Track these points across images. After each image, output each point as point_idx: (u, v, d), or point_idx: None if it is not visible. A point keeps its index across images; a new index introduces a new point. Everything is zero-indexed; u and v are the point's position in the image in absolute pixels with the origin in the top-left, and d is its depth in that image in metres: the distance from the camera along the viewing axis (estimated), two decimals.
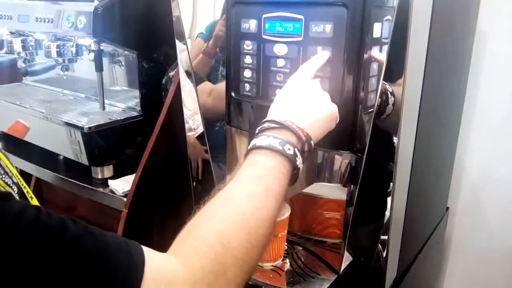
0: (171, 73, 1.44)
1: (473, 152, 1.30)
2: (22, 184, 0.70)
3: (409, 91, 0.74)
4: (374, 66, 0.77)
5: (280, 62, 0.80)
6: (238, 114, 0.89)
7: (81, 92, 1.66)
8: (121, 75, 1.62)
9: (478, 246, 1.37)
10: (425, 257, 1.07)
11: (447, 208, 1.30)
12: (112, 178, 1.37)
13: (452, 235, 1.38)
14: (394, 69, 0.73)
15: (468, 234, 1.37)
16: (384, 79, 0.75)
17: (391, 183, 0.77)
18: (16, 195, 0.68)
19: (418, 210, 0.95)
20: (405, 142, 0.77)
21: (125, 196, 1.26)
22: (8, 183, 0.65)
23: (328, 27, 0.74)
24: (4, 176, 0.66)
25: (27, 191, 0.71)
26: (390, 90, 0.77)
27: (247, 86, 0.86)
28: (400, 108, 0.73)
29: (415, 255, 1.00)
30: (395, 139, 0.75)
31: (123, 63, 1.59)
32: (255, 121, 0.87)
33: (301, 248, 0.99)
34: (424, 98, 0.80)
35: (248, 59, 0.84)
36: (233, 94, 0.88)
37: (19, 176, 0.71)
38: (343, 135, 0.77)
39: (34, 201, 0.72)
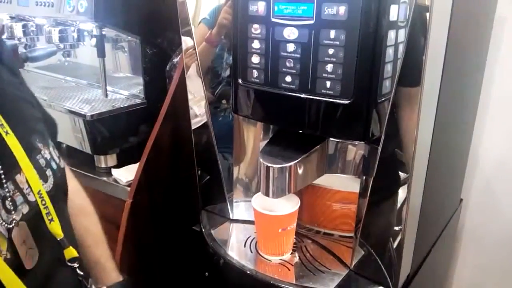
0: (176, 59, 1.41)
1: (487, 142, 1.25)
2: (44, 204, 0.60)
3: (429, 79, 0.70)
4: (390, 51, 0.72)
5: (290, 47, 0.76)
6: (246, 102, 0.85)
7: (83, 78, 1.63)
8: (125, 61, 1.59)
9: (490, 237, 1.34)
10: (438, 251, 1.04)
11: (461, 200, 1.26)
12: (116, 167, 1.34)
13: (464, 226, 1.35)
14: (413, 55, 0.69)
15: (480, 225, 1.34)
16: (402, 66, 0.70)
17: (408, 175, 0.73)
18: (21, 214, 0.58)
19: (433, 203, 0.91)
20: (423, 132, 0.72)
21: (129, 185, 1.23)
22: (9, 207, 0.55)
23: (342, 9, 0.70)
24: (9, 198, 0.56)
25: (48, 212, 0.60)
26: None
27: (255, 73, 0.82)
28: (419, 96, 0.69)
29: (429, 249, 0.96)
30: (413, 128, 0.71)
31: (126, 49, 1.55)
32: (263, 109, 0.83)
33: (310, 241, 0.96)
34: (443, 87, 0.75)
35: (256, 44, 0.80)
36: (240, 81, 0.84)
37: (44, 193, 0.60)
38: (357, 124, 0.73)
39: (55, 225, 0.62)
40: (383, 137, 0.73)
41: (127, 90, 1.50)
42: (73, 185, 0.82)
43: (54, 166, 0.63)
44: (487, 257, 1.36)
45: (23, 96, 0.64)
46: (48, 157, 0.62)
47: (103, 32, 1.34)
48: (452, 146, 1.01)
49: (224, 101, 0.99)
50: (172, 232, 1.31)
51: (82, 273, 0.67)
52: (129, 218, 1.20)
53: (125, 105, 1.36)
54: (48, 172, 0.61)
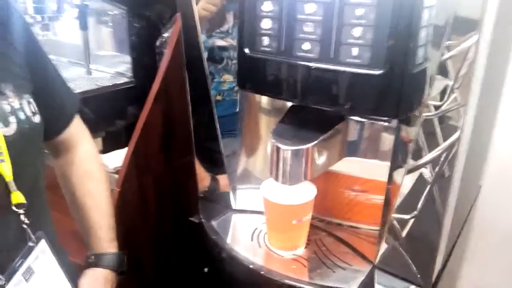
0: (166, 34, 1.30)
1: (502, 127, 1.16)
2: None
3: (482, 51, 0.60)
4: (426, 14, 0.62)
5: (310, 8, 0.64)
6: (254, 75, 0.74)
7: (64, 56, 1.49)
8: (109, 38, 1.48)
9: (503, 224, 1.26)
10: (461, 240, 0.95)
11: (480, 186, 1.18)
12: (101, 152, 1.22)
13: (478, 213, 1.27)
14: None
15: (494, 211, 1.26)
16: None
17: (451, 160, 0.63)
18: None
19: (466, 189, 0.81)
20: (470, 111, 0.62)
21: (117, 172, 1.14)
22: None
23: None
24: None
25: (1, 152, 0.62)
26: None
27: (266, 40, 0.70)
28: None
29: (455, 240, 0.87)
30: (461, 106, 0.60)
31: (111, 23, 1.43)
32: (275, 83, 0.71)
33: (324, 233, 0.86)
34: (489, 61, 0.65)
35: (267, 5, 0.68)
36: (247, 50, 0.73)
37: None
38: (389, 99, 0.63)
39: (4, 165, 0.62)
40: (423, 114, 0.63)
41: (112, 68, 1.37)
42: (86, 150, 0.85)
43: (22, 116, 0.65)
44: (499, 243, 1.29)
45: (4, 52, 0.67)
46: (17, 106, 0.64)
47: (86, 3, 1.21)
48: (483, 127, 0.92)
49: None
50: (166, 224, 1.21)
51: (27, 221, 0.66)
52: (117, 209, 1.09)
53: (111, 84, 1.24)
54: (12, 119, 0.63)
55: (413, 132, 0.66)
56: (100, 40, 1.50)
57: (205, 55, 0.84)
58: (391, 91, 0.62)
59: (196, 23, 0.81)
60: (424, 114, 0.65)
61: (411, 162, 0.67)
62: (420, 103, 0.65)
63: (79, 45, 1.38)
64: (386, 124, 0.70)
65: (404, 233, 0.71)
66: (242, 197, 0.93)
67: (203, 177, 0.96)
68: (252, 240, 0.84)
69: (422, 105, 0.65)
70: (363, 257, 0.78)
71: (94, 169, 0.85)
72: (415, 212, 0.69)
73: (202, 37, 0.83)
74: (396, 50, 0.61)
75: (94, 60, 1.44)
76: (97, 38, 1.50)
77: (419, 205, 0.69)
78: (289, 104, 0.78)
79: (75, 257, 0.99)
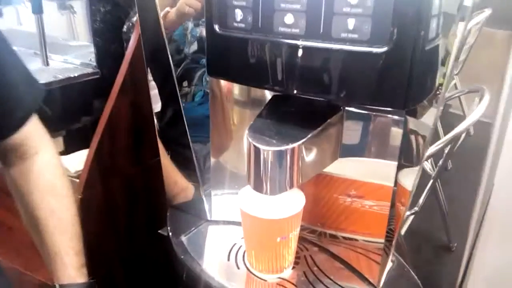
0: (135, 18, 1.17)
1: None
2: None
3: None
4: None
5: None
6: (226, 58, 0.61)
7: (24, 47, 1.35)
8: (82, 27, 1.36)
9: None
10: (475, 249, 0.82)
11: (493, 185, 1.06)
12: (62, 153, 1.11)
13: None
14: None
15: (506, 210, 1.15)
16: None
17: (481, 161, 0.49)
18: None
19: (487, 194, 0.68)
20: (503, 102, 0.49)
21: (78, 176, 1.01)
22: None
23: None
24: None
25: None
26: None
27: (239, 14, 0.57)
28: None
29: (471, 250, 0.74)
30: (495, 94, 0.47)
31: (75, 9, 1.29)
32: (252, 67, 0.58)
33: (316, 248, 0.72)
34: None
35: None
36: (216, 27, 0.59)
37: None
38: (396, 86, 0.49)
39: None
40: (440, 107, 0.49)
41: (80, 59, 1.24)
42: (47, 159, 0.73)
43: None
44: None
45: None
46: None
47: None
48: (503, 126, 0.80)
49: (185, 83, 0.78)
50: (134, 237, 1.08)
51: None
52: (80, 219, 0.96)
53: (72, 76, 1.10)
54: None
55: (424, 125, 0.52)
56: (72, 30, 1.39)
57: (191, 47, 0.74)
58: (398, 73, 0.49)
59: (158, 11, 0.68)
60: (438, 103, 0.51)
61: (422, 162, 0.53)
62: (433, 89, 0.52)
63: (51, 35, 1.25)
64: (391, 116, 0.57)
65: (414, 250, 0.58)
66: (218, 205, 0.79)
67: (172, 182, 0.83)
68: (228, 260, 0.70)
69: (435, 93, 0.51)
70: (364, 279, 0.65)
71: (57, 182, 0.73)
72: (417, 209, 0.56)
73: (189, 26, 0.73)
74: (403, 21, 0.47)
75: (64, 50, 1.31)
76: (69, 28, 1.38)
77: (421, 202, 0.56)
78: (271, 94, 0.64)
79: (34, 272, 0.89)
